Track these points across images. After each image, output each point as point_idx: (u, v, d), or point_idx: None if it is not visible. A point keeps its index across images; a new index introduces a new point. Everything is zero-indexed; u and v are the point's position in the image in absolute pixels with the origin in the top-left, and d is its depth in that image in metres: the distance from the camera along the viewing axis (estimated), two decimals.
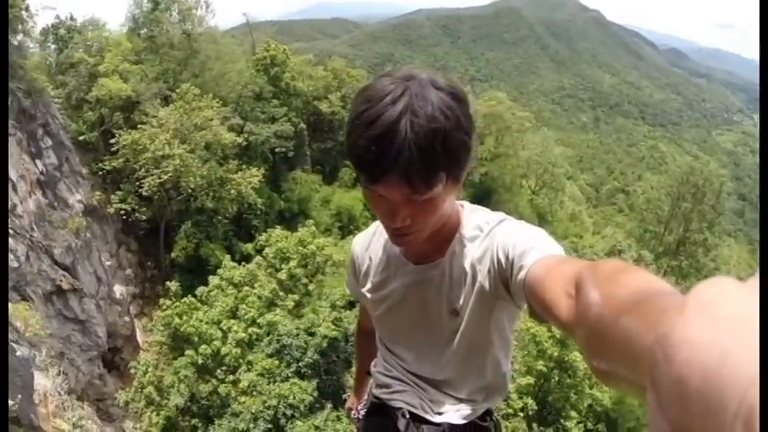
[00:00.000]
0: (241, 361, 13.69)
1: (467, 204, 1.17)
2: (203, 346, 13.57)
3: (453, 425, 1.21)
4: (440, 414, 1.23)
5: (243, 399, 12.93)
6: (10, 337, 6.03)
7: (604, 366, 0.46)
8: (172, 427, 13.47)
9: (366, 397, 1.59)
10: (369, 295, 1.29)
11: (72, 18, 22.36)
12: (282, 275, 15.56)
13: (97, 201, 18.01)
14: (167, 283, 16.89)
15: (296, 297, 15.22)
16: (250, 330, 14.04)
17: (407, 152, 0.86)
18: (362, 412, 1.59)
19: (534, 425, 13.46)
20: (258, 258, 16.87)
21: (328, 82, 30.68)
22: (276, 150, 25.46)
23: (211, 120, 20.74)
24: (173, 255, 19.82)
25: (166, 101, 21.66)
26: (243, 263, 17.01)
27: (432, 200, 0.94)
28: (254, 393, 12.93)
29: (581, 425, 14.40)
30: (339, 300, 14.64)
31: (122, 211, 19.00)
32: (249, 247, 20.48)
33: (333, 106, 29.43)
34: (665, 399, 0.30)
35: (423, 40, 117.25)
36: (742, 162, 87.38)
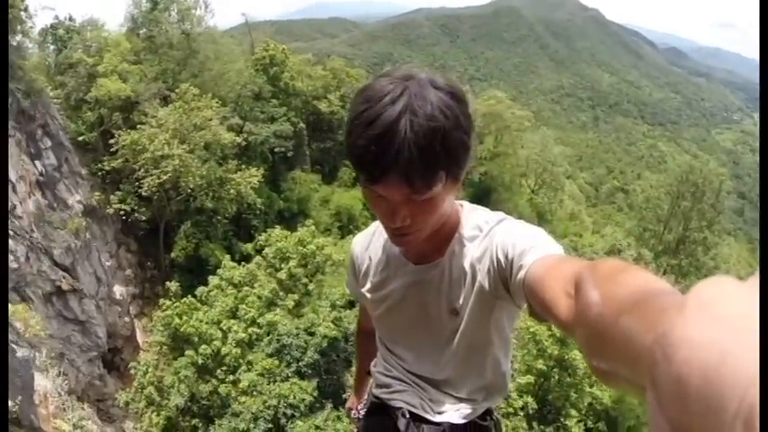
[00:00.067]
0: (241, 361, 13.68)
1: (466, 204, 1.17)
2: (203, 347, 13.55)
3: (453, 424, 1.21)
4: (440, 414, 1.23)
5: (243, 399, 12.91)
6: (10, 337, 6.03)
7: (604, 366, 0.46)
8: (172, 428, 13.45)
9: (366, 397, 1.59)
10: (368, 295, 1.29)
11: (71, 18, 22.33)
12: (282, 275, 15.55)
13: (97, 201, 17.99)
14: (167, 283, 16.84)
15: (296, 297, 15.21)
16: (250, 330, 14.02)
17: (407, 152, 0.86)
18: (362, 412, 1.59)
19: (534, 423, 13.46)
20: (258, 258, 16.86)
21: (327, 82, 30.69)
22: (275, 150, 25.47)
23: (210, 120, 20.74)
24: (172, 255, 19.83)
25: (165, 101, 21.63)
26: (243, 263, 16.99)
27: (431, 199, 0.94)
28: (255, 393, 12.91)
29: (581, 423, 14.40)
30: (339, 299, 14.62)
31: (122, 212, 18.99)
32: (249, 246, 20.47)
33: (332, 106, 29.45)
34: (665, 398, 0.30)
35: (422, 40, 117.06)
36: (741, 161, 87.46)
